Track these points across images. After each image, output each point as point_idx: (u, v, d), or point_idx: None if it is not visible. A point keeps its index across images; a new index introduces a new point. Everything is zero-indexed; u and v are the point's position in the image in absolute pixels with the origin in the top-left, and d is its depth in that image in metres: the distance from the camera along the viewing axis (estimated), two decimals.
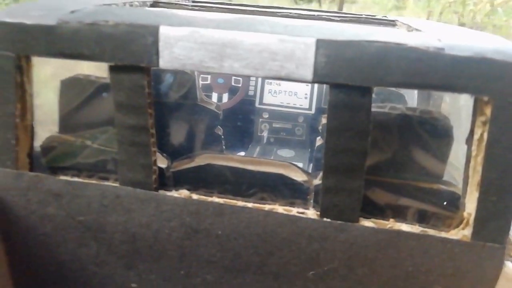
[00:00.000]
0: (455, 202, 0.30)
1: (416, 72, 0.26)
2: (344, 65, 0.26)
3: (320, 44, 0.26)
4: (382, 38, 0.26)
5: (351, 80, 0.26)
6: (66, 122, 0.37)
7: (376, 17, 0.45)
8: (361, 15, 0.46)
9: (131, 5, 0.39)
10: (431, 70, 0.26)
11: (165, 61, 0.28)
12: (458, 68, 0.25)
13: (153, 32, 0.27)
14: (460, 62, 0.25)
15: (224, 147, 0.44)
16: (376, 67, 0.26)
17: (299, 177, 0.33)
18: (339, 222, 0.30)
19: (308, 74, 0.26)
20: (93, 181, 0.33)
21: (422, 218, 0.31)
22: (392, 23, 0.42)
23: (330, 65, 0.26)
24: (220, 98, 0.70)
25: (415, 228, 0.30)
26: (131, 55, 0.28)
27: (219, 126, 0.42)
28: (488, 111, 0.26)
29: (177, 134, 0.40)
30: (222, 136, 0.43)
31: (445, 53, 0.25)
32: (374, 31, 0.29)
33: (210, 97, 0.69)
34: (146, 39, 0.28)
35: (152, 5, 0.44)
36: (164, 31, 0.27)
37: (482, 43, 0.27)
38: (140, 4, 0.41)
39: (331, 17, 0.41)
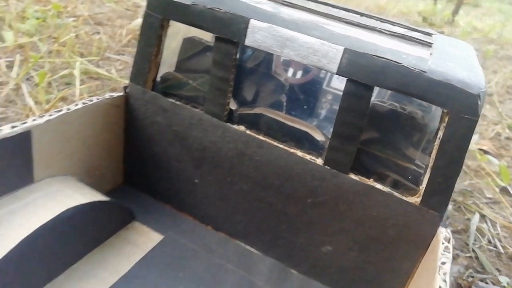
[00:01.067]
0: (418, 178, 0.43)
1: (404, 83, 0.38)
2: (358, 68, 0.39)
3: (346, 51, 0.39)
4: (388, 56, 0.39)
5: (361, 79, 0.39)
6: (180, 65, 0.54)
7: (415, 34, 0.53)
8: (410, 28, 0.55)
9: None
10: (414, 85, 0.38)
11: (248, 41, 0.43)
12: (431, 87, 0.37)
13: (246, 21, 0.43)
14: (433, 83, 0.37)
15: (284, 111, 0.58)
16: (379, 74, 0.39)
17: (319, 137, 0.47)
18: (334, 170, 0.43)
19: (334, 68, 0.40)
20: (188, 106, 0.50)
21: (394, 185, 0.44)
22: (422, 42, 0.50)
23: (349, 66, 0.40)
24: (294, 74, 0.84)
25: (385, 188, 0.43)
26: (229, 33, 0.44)
27: (283, 94, 0.56)
28: (446, 119, 0.38)
29: (249, 90, 0.55)
30: (285, 103, 0.56)
31: (424, 75, 0.37)
32: (390, 47, 0.41)
33: (286, 70, 0.84)
34: (241, 25, 0.43)
35: None
36: (253, 22, 0.43)
37: (460, 73, 0.38)
38: None
39: (379, 30, 0.52)
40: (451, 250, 0.35)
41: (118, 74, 1.01)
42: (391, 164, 0.43)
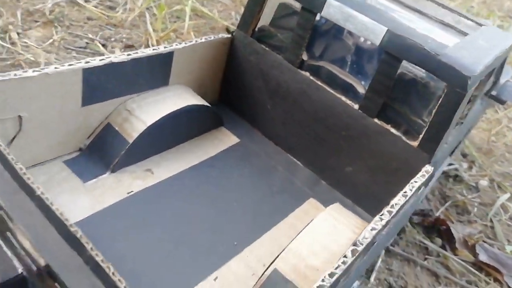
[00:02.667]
0: (420, 130, 0.53)
1: (422, 60, 0.49)
2: (394, 45, 0.50)
3: (388, 32, 0.50)
4: (417, 39, 0.49)
5: (394, 53, 0.51)
6: (274, 22, 0.68)
7: (465, 23, 0.61)
8: (465, 17, 0.62)
9: None
10: (429, 63, 0.48)
11: (324, 13, 0.56)
12: (439, 66, 0.47)
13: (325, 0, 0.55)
14: (441, 64, 0.47)
15: (339, 67, 0.68)
16: (406, 51, 0.50)
17: (360, 90, 0.59)
18: (365, 114, 0.55)
19: (377, 42, 0.51)
20: (273, 52, 0.64)
21: (404, 132, 0.54)
22: (460, 31, 0.56)
23: (388, 42, 0.50)
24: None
25: (397, 133, 0.53)
26: (311, 4, 0.57)
27: (344, 55, 0.67)
28: (445, 90, 0.49)
29: (318, 48, 0.68)
30: (343, 61, 0.68)
31: (437, 57, 0.48)
32: (424, 33, 0.50)
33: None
34: (320, 0, 0.55)
35: None
36: (331, 2, 0.55)
37: (467, 59, 0.47)
38: None
39: (430, 16, 0.59)
40: (426, 176, 0.47)
41: (219, 15, 1.18)
42: (405, 117, 0.55)
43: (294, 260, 0.37)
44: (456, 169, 0.92)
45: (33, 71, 0.40)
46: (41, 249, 0.27)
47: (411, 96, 0.53)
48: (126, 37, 0.95)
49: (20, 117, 0.40)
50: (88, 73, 0.43)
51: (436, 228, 0.74)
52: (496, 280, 0.69)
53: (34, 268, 0.28)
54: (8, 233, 0.29)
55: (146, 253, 0.41)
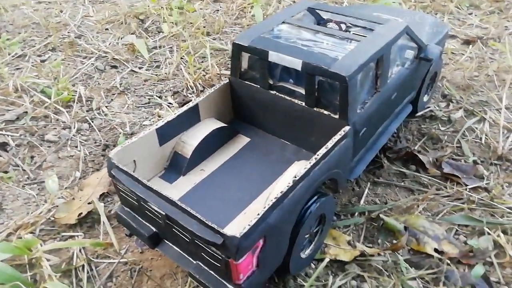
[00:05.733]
0: (337, 108, 0.83)
1: (324, 73, 0.74)
2: (307, 69, 0.74)
3: (302, 63, 0.76)
4: (319, 60, 0.74)
5: (309, 72, 0.74)
6: (249, 66, 1.02)
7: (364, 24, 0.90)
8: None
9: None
10: (327, 73, 0.74)
11: (270, 59, 0.86)
12: (331, 74, 0.77)
13: (267, 53, 0.87)
14: (332, 73, 0.77)
15: (291, 82, 0.97)
16: (314, 70, 0.74)
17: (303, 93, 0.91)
18: (307, 106, 0.83)
19: (300, 69, 0.77)
20: (253, 84, 0.97)
21: (331, 111, 0.79)
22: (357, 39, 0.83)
23: (304, 68, 0.75)
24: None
25: (326, 112, 0.80)
26: (262, 56, 0.89)
27: (290, 79, 0.99)
28: (339, 86, 0.77)
29: (275, 76, 0.99)
30: (290, 80, 0.98)
31: (329, 69, 0.74)
32: (325, 52, 0.78)
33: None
34: (265, 53, 0.86)
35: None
36: (271, 53, 0.84)
37: (346, 64, 0.75)
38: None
39: (343, 37, 0.82)
40: (343, 134, 0.75)
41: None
42: (329, 103, 0.80)
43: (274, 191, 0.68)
44: (431, 111, 1.18)
45: (135, 137, 0.77)
46: (163, 209, 0.63)
47: (328, 92, 0.82)
48: (172, 86, 1.34)
49: (134, 161, 0.78)
50: (159, 129, 0.80)
51: (410, 159, 1.03)
52: (458, 184, 0.97)
53: (163, 216, 0.64)
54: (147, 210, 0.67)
55: (207, 203, 0.75)
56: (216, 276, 0.63)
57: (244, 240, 0.55)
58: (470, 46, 1.51)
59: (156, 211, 0.63)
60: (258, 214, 0.57)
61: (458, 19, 1.73)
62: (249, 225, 0.55)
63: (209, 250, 0.59)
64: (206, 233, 0.56)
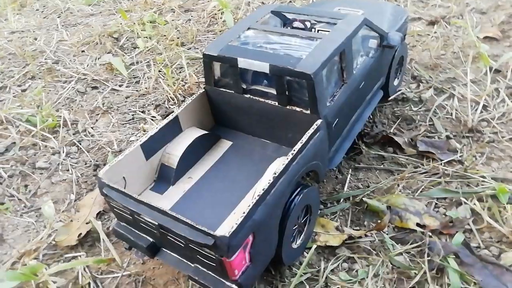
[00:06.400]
0: (308, 104, 0.89)
1: (290, 73, 0.78)
2: (275, 71, 0.77)
3: (270, 66, 0.80)
4: (285, 61, 0.79)
5: (277, 74, 0.79)
6: (221, 74, 1.06)
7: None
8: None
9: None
10: (293, 73, 0.82)
11: (239, 66, 0.89)
12: (297, 74, 0.82)
13: (236, 60, 0.92)
14: (297, 72, 0.82)
15: (263, 84, 1.02)
16: (282, 71, 0.84)
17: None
18: (280, 106, 0.88)
19: (268, 71, 0.82)
20: (228, 90, 1.00)
21: (303, 108, 0.84)
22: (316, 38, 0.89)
23: (272, 71, 0.79)
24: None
25: (299, 109, 0.84)
26: (232, 63, 0.93)
27: (263, 80, 1.03)
28: (306, 83, 0.82)
29: (248, 80, 1.04)
30: (263, 82, 1.03)
31: (295, 69, 0.81)
32: (290, 52, 0.83)
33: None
34: (234, 60, 0.90)
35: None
36: (240, 59, 0.88)
37: (310, 62, 0.83)
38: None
39: (309, 37, 0.88)
40: (315, 127, 0.79)
41: None
42: (300, 100, 0.84)
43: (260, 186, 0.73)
44: (403, 93, 1.24)
45: (121, 155, 0.81)
46: (156, 219, 0.67)
47: (297, 90, 0.86)
48: (153, 99, 1.38)
49: (124, 177, 0.82)
50: (143, 144, 0.84)
51: (387, 142, 1.08)
52: (433, 160, 1.02)
53: (156, 226, 0.69)
54: (141, 223, 0.72)
55: (198, 208, 0.79)
56: (214, 275, 0.67)
57: (233, 238, 0.59)
58: (435, 26, 1.57)
59: (149, 222, 0.67)
60: (244, 213, 0.61)
61: (421, 1, 1.79)
62: (236, 224, 0.60)
63: (204, 252, 0.63)
64: (198, 236, 0.60)
